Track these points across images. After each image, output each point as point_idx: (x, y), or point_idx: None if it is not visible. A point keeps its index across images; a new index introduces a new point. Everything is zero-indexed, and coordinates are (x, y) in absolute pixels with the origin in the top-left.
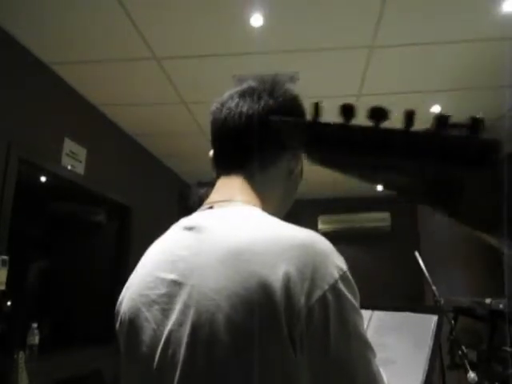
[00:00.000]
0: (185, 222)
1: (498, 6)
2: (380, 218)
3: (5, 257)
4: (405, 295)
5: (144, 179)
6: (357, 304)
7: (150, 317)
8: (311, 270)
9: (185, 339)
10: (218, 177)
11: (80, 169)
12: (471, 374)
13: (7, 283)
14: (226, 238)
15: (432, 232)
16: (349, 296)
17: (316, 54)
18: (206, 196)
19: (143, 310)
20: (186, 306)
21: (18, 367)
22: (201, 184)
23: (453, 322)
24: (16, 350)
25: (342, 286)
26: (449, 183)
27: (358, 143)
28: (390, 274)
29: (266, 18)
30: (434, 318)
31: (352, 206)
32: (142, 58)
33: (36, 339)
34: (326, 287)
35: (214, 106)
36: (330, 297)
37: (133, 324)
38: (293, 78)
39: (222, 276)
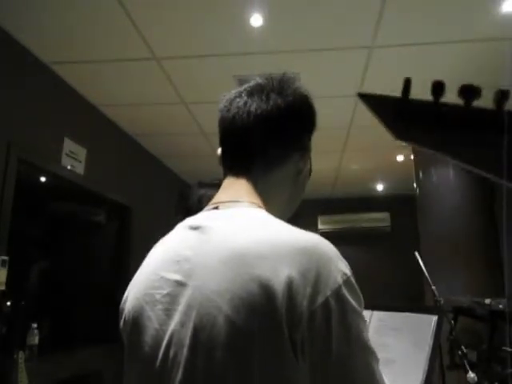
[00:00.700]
0: (190, 221)
1: (498, 6)
2: (380, 218)
3: (5, 257)
4: (405, 295)
5: (144, 179)
6: (360, 309)
7: (153, 316)
8: (314, 274)
9: (187, 340)
10: (224, 176)
11: (80, 169)
12: (471, 374)
13: (7, 283)
14: (229, 240)
15: (432, 232)
16: (352, 302)
17: (316, 54)
18: (206, 196)
19: (147, 309)
20: (188, 307)
21: (18, 367)
22: (201, 184)
23: (453, 322)
24: (16, 350)
25: (345, 292)
26: None
27: (447, 120)
28: (389, 274)
29: (266, 18)
30: (434, 318)
31: (352, 206)
32: (142, 58)
33: (36, 339)
34: (329, 293)
35: (221, 104)
36: (332, 302)
37: (136, 323)
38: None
39: (224, 278)
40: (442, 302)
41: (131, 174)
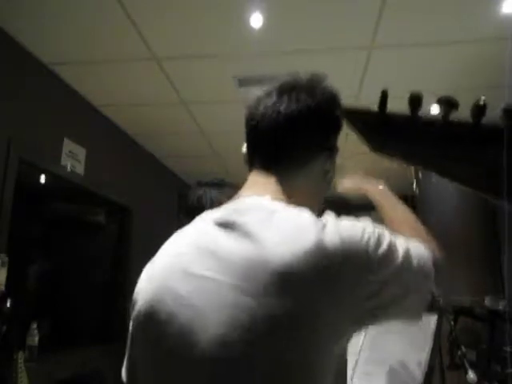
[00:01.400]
0: (213, 215)
1: (498, 6)
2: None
3: (4, 257)
4: None
5: (144, 179)
6: (386, 242)
7: (176, 311)
8: (342, 258)
9: (225, 338)
10: (250, 171)
11: (80, 169)
12: (471, 374)
13: (7, 283)
14: (266, 241)
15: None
16: (382, 243)
17: (316, 54)
18: (206, 196)
19: (169, 303)
20: (225, 306)
21: (18, 367)
22: (200, 184)
23: (452, 322)
24: (15, 350)
25: (378, 249)
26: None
27: (425, 133)
28: None
29: (266, 18)
30: (434, 318)
31: (352, 206)
32: (142, 58)
33: (36, 339)
34: (369, 265)
35: (250, 102)
36: (373, 260)
37: (156, 317)
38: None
39: (270, 282)
40: (442, 301)
41: (131, 174)
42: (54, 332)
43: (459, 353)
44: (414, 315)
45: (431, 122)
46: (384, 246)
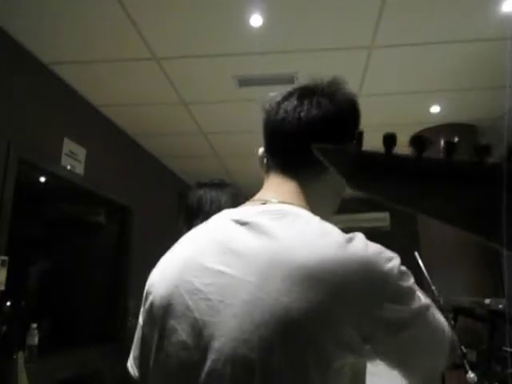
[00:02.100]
0: (234, 214)
1: (497, 6)
2: (379, 218)
3: (4, 257)
4: None
5: (144, 179)
6: (414, 288)
7: (192, 305)
8: (371, 277)
9: (241, 335)
10: (268, 174)
11: (80, 169)
12: (471, 374)
13: (7, 283)
14: (291, 244)
15: (432, 232)
16: (407, 288)
17: (316, 54)
18: (206, 196)
19: (185, 296)
20: (243, 302)
21: (18, 367)
22: (200, 184)
23: (452, 322)
24: (15, 350)
25: (400, 282)
26: (494, 210)
27: (401, 172)
28: None
29: (266, 18)
30: None
31: (351, 206)
32: (142, 58)
33: (35, 339)
34: (387, 288)
35: (268, 105)
36: (392, 297)
37: (171, 309)
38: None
39: (286, 279)
40: (442, 301)
41: (131, 174)
42: (54, 332)
43: (459, 353)
44: (418, 376)
45: (405, 160)
46: (407, 283)
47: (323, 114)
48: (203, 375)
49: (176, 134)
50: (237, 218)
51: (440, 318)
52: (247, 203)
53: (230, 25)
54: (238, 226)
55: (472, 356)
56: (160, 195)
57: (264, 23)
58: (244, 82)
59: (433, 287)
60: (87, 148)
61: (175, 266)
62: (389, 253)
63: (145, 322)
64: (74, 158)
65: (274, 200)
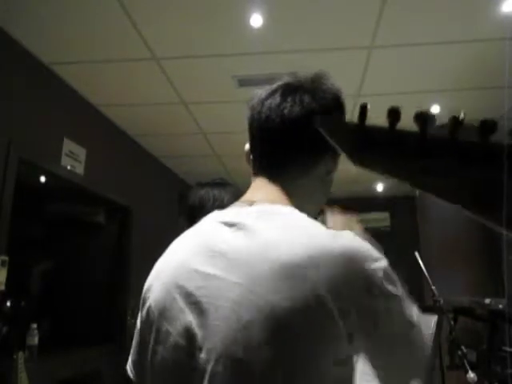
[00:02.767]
0: (222, 216)
1: (497, 6)
2: (380, 218)
3: (4, 257)
4: None
5: (144, 179)
6: (401, 295)
7: (185, 308)
8: (358, 275)
9: (230, 335)
10: (254, 174)
11: (80, 169)
12: (471, 374)
13: (7, 283)
14: (276, 243)
15: (432, 232)
16: (394, 292)
17: (316, 54)
18: (207, 196)
19: (179, 300)
20: (232, 303)
21: (18, 367)
22: (201, 184)
23: (452, 322)
24: (15, 350)
25: (386, 284)
26: (497, 190)
27: (404, 148)
28: None
29: (266, 19)
30: (434, 318)
31: (352, 206)
32: (142, 58)
33: (35, 339)
34: (372, 288)
35: (252, 102)
36: (378, 299)
37: (165, 313)
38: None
39: (273, 278)
40: (442, 301)
41: (131, 174)
42: (54, 332)
43: (459, 353)
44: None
45: (409, 136)
46: (394, 287)
47: (306, 110)
48: (196, 376)
49: (176, 134)
50: (225, 219)
51: (423, 338)
52: (235, 204)
53: (229, 25)
54: (226, 227)
55: (472, 356)
56: (160, 195)
57: (264, 23)
58: (244, 81)
59: (432, 287)
60: (87, 148)
61: (168, 270)
62: (377, 253)
63: (142, 326)
64: (74, 158)
65: (261, 200)
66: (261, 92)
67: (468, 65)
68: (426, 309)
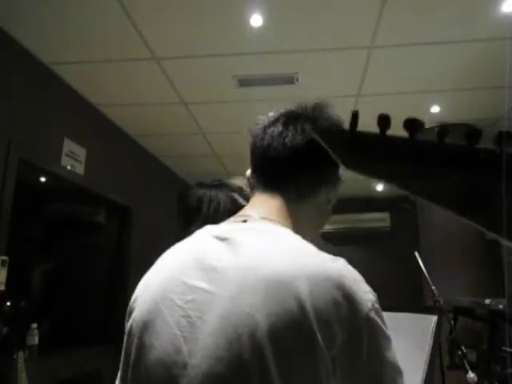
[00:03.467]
0: (214, 230)
1: (497, 6)
2: (380, 218)
3: (4, 257)
4: (404, 295)
5: (144, 179)
6: (386, 330)
7: (172, 322)
8: (347, 301)
9: (216, 351)
10: (253, 193)
11: (80, 169)
12: (471, 374)
13: (7, 283)
14: (265, 258)
15: (432, 232)
16: (380, 325)
17: (316, 54)
18: (206, 197)
19: (165, 313)
20: (219, 318)
21: (18, 367)
22: (200, 185)
23: (452, 322)
24: (16, 350)
25: (374, 316)
26: (481, 193)
27: (395, 153)
28: (389, 274)
29: (266, 18)
30: (434, 318)
31: (352, 206)
32: (142, 58)
33: (36, 339)
34: (360, 317)
35: (255, 130)
36: (363, 326)
37: (151, 325)
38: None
39: (259, 295)
40: (442, 301)
41: (131, 174)
42: (54, 332)
43: (459, 353)
44: None
45: (399, 141)
46: (380, 320)
47: (307, 140)
48: None
49: (176, 134)
50: (217, 234)
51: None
52: (230, 219)
53: (229, 25)
54: (218, 241)
55: (472, 356)
56: (160, 195)
57: (264, 23)
58: (244, 81)
59: (432, 287)
60: (87, 148)
61: (157, 282)
62: (367, 286)
63: (127, 338)
64: (74, 158)
65: (255, 218)
66: (263, 119)
67: (468, 65)
68: (426, 309)
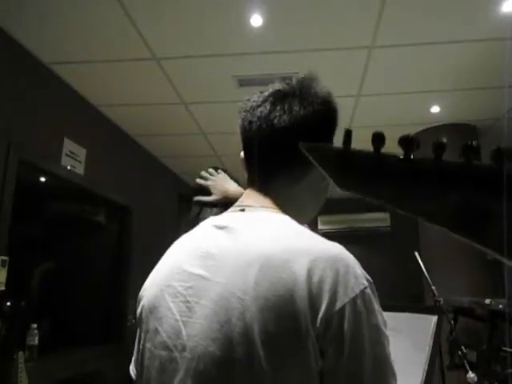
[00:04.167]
0: (215, 220)
1: (498, 5)
2: (380, 218)
3: (4, 257)
4: (405, 295)
5: (144, 179)
6: (377, 319)
7: (173, 307)
8: (334, 282)
9: (210, 334)
10: (249, 181)
11: (80, 169)
12: (471, 374)
13: (7, 284)
14: (256, 244)
15: (432, 232)
16: (366, 312)
17: (316, 54)
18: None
19: (168, 299)
20: (213, 302)
21: (18, 367)
22: (198, 203)
23: (452, 322)
24: (16, 350)
25: (361, 301)
26: (479, 211)
27: (390, 172)
28: (389, 274)
29: (266, 18)
30: (434, 318)
31: (352, 206)
32: (142, 58)
33: (36, 339)
34: (346, 300)
35: (243, 111)
36: (348, 309)
37: (156, 311)
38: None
39: (250, 278)
40: (442, 302)
41: (131, 174)
42: (54, 332)
43: (459, 353)
44: None
45: (393, 160)
46: (372, 304)
47: (295, 119)
48: (181, 373)
49: (176, 134)
50: (217, 223)
51: (393, 371)
52: (230, 209)
53: (229, 25)
54: (217, 230)
55: (472, 356)
56: (160, 195)
57: (264, 23)
58: (244, 81)
59: (433, 287)
60: (87, 148)
61: (162, 271)
62: (362, 272)
63: (137, 324)
64: (74, 158)
65: (252, 207)
66: (252, 100)
67: (468, 65)
68: (426, 309)
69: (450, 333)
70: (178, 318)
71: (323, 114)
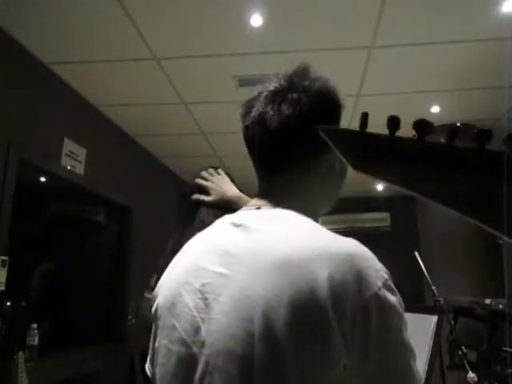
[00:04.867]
0: (231, 218)
1: (498, 5)
2: (380, 218)
3: (4, 257)
4: (405, 295)
5: (144, 179)
6: (400, 310)
7: (191, 304)
8: (355, 278)
9: (229, 330)
10: (259, 179)
11: (80, 169)
12: (471, 374)
13: (7, 284)
14: (275, 243)
15: (432, 232)
16: (392, 303)
17: (316, 54)
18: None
19: (185, 296)
20: (233, 299)
21: (18, 367)
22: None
23: (452, 322)
24: (16, 350)
25: (384, 293)
26: (491, 195)
27: (404, 154)
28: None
29: (266, 18)
30: (434, 318)
31: (352, 206)
32: (142, 58)
33: (36, 339)
34: (369, 294)
35: (241, 116)
36: (372, 303)
37: (172, 309)
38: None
39: (272, 277)
40: (442, 302)
41: (131, 174)
42: (54, 332)
43: (459, 353)
44: None
45: (408, 143)
46: (393, 296)
47: (290, 116)
48: (199, 369)
49: (176, 134)
50: (233, 221)
51: (418, 370)
52: (245, 207)
53: (229, 25)
54: (234, 228)
55: (472, 356)
56: (160, 195)
57: (264, 23)
58: (244, 81)
59: (433, 287)
60: (87, 148)
61: (179, 269)
62: (380, 264)
63: (154, 322)
64: (74, 158)
65: (265, 205)
66: (247, 103)
67: (468, 65)
68: (426, 309)
69: (450, 333)
70: (196, 314)
71: (317, 108)
